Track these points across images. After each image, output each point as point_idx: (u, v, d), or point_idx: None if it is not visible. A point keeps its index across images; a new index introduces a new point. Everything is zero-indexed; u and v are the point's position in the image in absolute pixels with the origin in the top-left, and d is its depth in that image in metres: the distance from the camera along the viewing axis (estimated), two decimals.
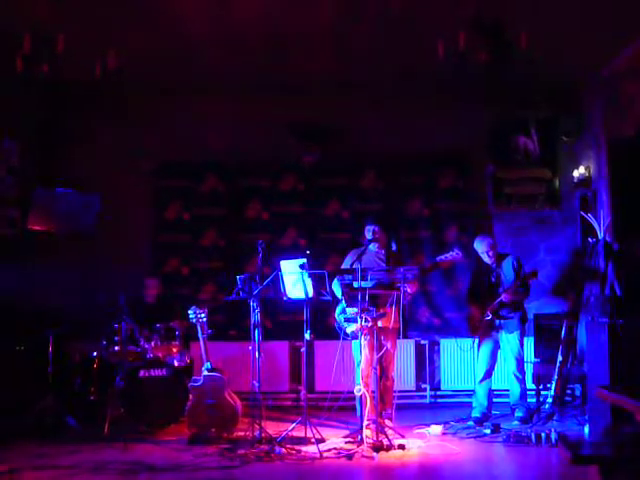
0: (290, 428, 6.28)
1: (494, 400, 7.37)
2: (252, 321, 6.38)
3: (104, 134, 8.78)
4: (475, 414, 7.14)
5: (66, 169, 8.61)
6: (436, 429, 6.66)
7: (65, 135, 8.78)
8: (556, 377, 7.25)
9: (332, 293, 6.61)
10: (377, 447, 5.89)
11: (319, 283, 6.29)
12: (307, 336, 6.31)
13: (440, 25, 6.27)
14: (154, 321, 7.22)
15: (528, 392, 7.33)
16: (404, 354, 8.38)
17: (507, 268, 7.19)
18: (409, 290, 6.51)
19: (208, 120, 8.78)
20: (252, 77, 8.18)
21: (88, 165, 8.62)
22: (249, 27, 6.94)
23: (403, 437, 6.34)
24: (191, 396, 6.55)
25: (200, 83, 8.34)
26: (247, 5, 6.49)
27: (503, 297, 7.01)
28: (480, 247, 7.30)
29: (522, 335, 7.18)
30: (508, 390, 7.34)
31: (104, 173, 8.59)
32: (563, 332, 7.35)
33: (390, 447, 5.93)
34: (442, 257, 6.67)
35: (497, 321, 7.09)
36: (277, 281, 6.40)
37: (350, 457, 5.79)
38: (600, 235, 7.36)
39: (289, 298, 6.44)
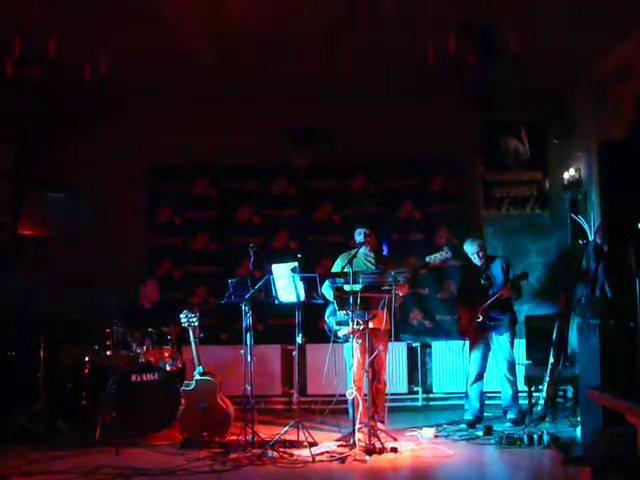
0: (282, 432, 6.27)
1: (486, 402, 7.38)
2: (244, 325, 6.36)
3: (96, 138, 8.77)
4: (467, 416, 7.15)
5: (58, 173, 8.59)
6: (428, 432, 6.66)
7: (57, 139, 8.77)
8: (548, 379, 7.25)
9: (323, 296, 6.62)
10: (369, 450, 5.89)
11: (310, 286, 6.30)
12: (299, 339, 6.31)
13: (431, 28, 6.29)
14: (151, 326, 7.21)
15: (520, 394, 7.34)
16: (396, 357, 8.39)
17: (497, 270, 7.22)
18: (400, 293, 6.50)
19: (199, 124, 8.77)
20: (243, 81, 8.18)
21: (80, 169, 8.61)
22: (239, 30, 6.93)
23: (395, 440, 6.34)
24: (183, 400, 6.53)
25: (191, 87, 8.34)
26: (238, 7, 6.48)
27: (501, 292, 7.01)
28: (470, 249, 7.33)
29: (513, 337, 7.20)
30: (500, 392, 7.35)
31: (96, 177, 8.60)
32: (554, 334, 7.36)
33: (382, 450, 5.92)
34: (432, 257, 6.65)
35: (488, 323, 7.10)
36: (269, 284, 6.40)
37: (342, 460, 5.78)
38: (590, 237, 7.38)
39: (281, 301, 6.44)
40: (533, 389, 7.73)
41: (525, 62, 6.18)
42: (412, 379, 8.61)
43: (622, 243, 6.82)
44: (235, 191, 8.96)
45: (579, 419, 6.50)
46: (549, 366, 7.27)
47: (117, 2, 6.24)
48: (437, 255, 6.60)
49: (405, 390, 8.51)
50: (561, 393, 7.69)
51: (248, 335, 6.34)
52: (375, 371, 6.67)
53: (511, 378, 7.16)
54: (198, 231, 8.92)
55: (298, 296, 6.28)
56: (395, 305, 6.25)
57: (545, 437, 6.12)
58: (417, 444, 6.35)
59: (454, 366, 8.44)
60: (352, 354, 6.52)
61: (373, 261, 6.89)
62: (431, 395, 8.62)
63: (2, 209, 8.26)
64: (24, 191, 8.09)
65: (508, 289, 7.02)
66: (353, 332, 6.33)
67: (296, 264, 6.22)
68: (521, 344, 8.09)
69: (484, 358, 7.22)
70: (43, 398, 6.82)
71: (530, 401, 7.68)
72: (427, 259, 6.66)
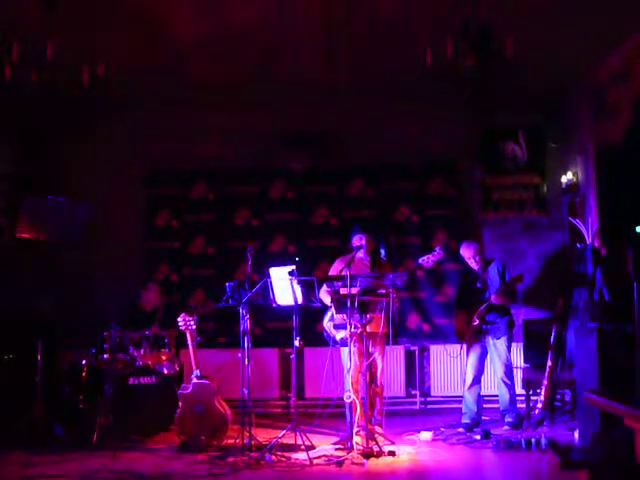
0: (280, 435, 6.25)
1: (484, 406, 7.37)
2: (241, 328, 6.36)
3: (95, 141, 8.78)
4: (465, 420, 7.14)
5: (57, 176, 8.59)
6: (426, 435, 6.66)
7: (55, 143, 8.76)
8: (545, 382, 7.24)
9: (321, 301, 6.61)
10: (367, 454, 5.88)
11: (308, 290, 6.29)
12: (296, 343, 6.30)
13: (428, 32, 6.28)
14: (152, 328, 7.21)
15: (518, 398, 7.33)
16: (394, 360, 8.39)
17: (493, 273, 7.21)
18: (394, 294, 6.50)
19: (197, 128, 8.78)
20: (240, 85, 8.17)
21: (78, 173, 8.61)
22: (236, 35, 6.93)
23: (393, 443, 6.34)
24: (180, 404, 6.51)
25: (188, 92, 8.33)
26: (236, 13, 6.49)
27: (492, 299, 7.01)
28: (466, 253, 7.32)
29: (509, 340, 7.18)
30: (497, 396, 7.34)
31: (95, 180, 8.60)
32: (552, 337, 7.35)
33: (380, 454, 5.92)
34: (424, 259, 6.65)
35: (484, 326, 7.09)
36: (266, 288, 6.39)
37: (340, 464, 5.78)
38: (588, 240, 7.38)
39: (278, 305, 6.43)
40: (531, 393, 7.71)
41: (523, 66, 6.17)
42: (410, 382, 8.61)
43: (620, 246, 6.83)
44: (233, 195, 8.97)
45: (577, 423, 6.49)
46: (547, 370, 7.26)
47: (116, 4, 6.24)
48: (429, 256, 6.61)
49: (403, 394, 8.50)
50: (559, 397, 7.67)
51: (246, 338, 6.34)
52: (372, 374, 6.67)
53: (509, 382, 7.15)
54: (196, 234, 8.92)
55: (296, 299, 6.27)
56: (392, 309, 6.25)
57: (543, 441, 6.11)
58: (415, 447, 6.34)
59: (452, 370, 8.44)
60: (350, 358, 6.52)
61: (369, 264, 6.89)
62: (429, 399, 8.62)
63: (0, 211, 8.26)
64: (22, 194, 8.08)
65: (499, 296, 7.01)
66: (351, 335, 6.32)
67: (294, 267, 6.22)
68: (519, 348, 8.09)
69: (481, 362, 7.21)
70: (40, 402, 6.80)
71: (528, 405, 7.66)
72: (420, 260, 6.67)
